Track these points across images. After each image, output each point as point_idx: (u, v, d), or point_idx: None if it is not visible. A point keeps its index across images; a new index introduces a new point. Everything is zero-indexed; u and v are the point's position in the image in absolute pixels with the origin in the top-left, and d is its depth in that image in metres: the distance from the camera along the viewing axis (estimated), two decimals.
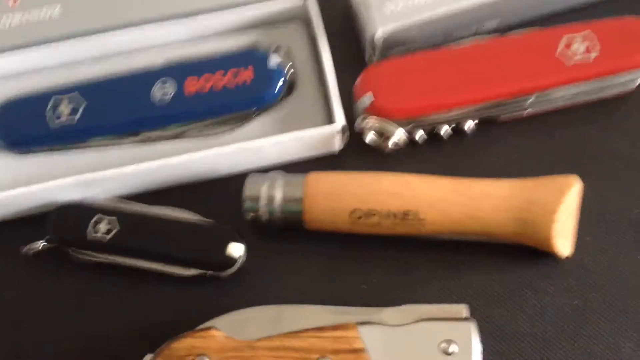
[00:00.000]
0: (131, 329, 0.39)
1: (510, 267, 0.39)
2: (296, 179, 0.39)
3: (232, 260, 0.39)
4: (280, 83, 0.42)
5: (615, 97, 0.43)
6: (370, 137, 0.41)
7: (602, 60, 0.40)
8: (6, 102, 0.43)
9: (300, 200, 0.39)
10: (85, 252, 0.40)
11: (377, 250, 0.40)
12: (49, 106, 0.42)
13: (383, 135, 0.41)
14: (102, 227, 0.40)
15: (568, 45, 0.40)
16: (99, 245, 0.39)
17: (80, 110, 0.42)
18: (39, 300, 0.40)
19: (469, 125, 0.41)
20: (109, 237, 0.39)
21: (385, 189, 0.38)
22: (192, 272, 0.39)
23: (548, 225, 0.37)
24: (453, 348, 0.35)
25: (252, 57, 0.43)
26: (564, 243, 0.38)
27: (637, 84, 0.42)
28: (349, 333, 0.36)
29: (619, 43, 0.40)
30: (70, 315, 0.40)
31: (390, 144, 0.41)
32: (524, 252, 0.39)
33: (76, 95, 0.42)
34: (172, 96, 0.42)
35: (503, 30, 0.43)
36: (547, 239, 0.37)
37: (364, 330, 0.36)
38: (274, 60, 0.42)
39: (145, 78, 0.42)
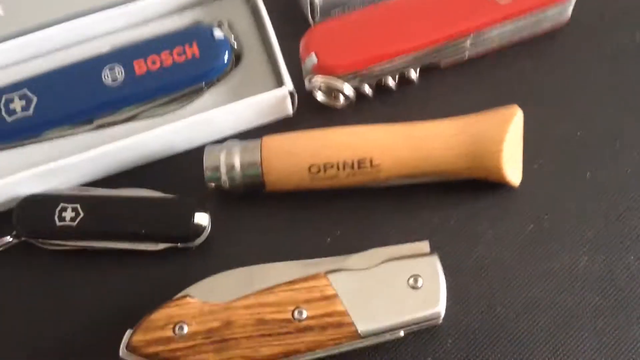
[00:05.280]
0: (109, 309, 0.40)
1: (465, 203, 0.41)
2: (252, 143, 0.41)
3: (198, 230, 0.40)
4: (227, 54, 0.43)
5: (548, 31, 0.45)
6: (320, 95, 0.43)
7: None
8: None
9: (258, 164, 0.40)
10: (54, 241, 0.41)
11: (338, 204, 0.41)
12: (0, 104, 0.42)
13: (332, 92, 0.43)
14: (68, 214, 0.40)
15: None
16: (66, 233, 0.40)
17: (33, 105, 0.42)
18: (14, 295, 0.41)
19: (413, 73, 0.43)
20: (75, 223, 0.40)
21: (338, 141, 0.39)
22: (161, 246, 0.40)
23: (497, 155, 0.39)
24: (420, 282, 0.36)
25: (196, 32, 0.44)
26: (513, 172, 0.40)
27: (567, 16, 0.44)
28: (320, 282, 0.37)
29: None
30: (47, 305, 0.40)
31: (340, 100, 0.43)
32: (476, 187, 0.41)
33: (27, 91, 0.43)
34: (122, 79, 0.42)
35: None
36: (497, 169, 0.39)
37: (333, 278, 0.37)
38: (218, 33, 0.43)
39: (94, 65, 0.43)
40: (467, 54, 0.43)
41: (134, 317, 0.37)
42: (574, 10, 0.44)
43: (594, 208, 0.41)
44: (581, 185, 0.41)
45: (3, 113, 0.42)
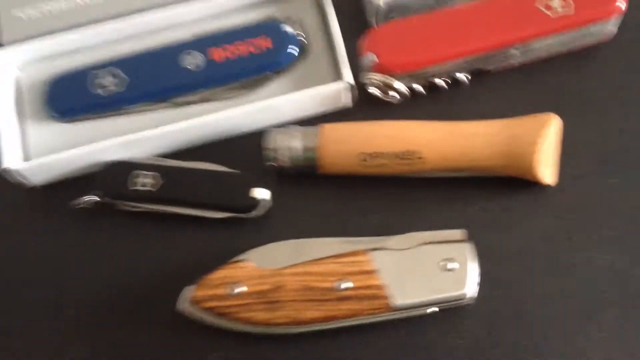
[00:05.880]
0: (173, 266, 0.45)
1: (501, 197, 0.44)
2: (311, 130, 0.45)
3: (256, 203, 0.45)
4: (295, 48, 0.47)
5: (594, 45, 0.47)
6: (376, 91, 0.47)
7: (579, 11, 0.45)
8: (56, 78, 0.49)
9: (314, 149, 0.44)
10: (130, 203, 0.46)
11: (384, 189, 0.45)
12: (93, 79, 0.48)
13: (387, 89, 0.47)
14: (144, 180, 0.45)
15: (546, 2, 0.45)
16: (141, 196, 0.45)
17: (121, 82, 0.48)
18: (91, 248, 0.46)
19: (463, 76, 0.47)
20: (150, 189, 0.45)
21: (388, 133, 0.43)
22: (223, 215, 0.45)
23: (531, 156, 0.42)
24: (453, 265, 0.40)
25: (268, 27, 0.48)
26: (547, 172, 0.43)
27: (612, 34, 0.47)
28: (362, 258, 0.41)
29: None
30: (118, 257, 0.45)
31: (392, 96, 0.47)
32: (513, 183, 0.44)
33: (116, 69, 0.48)
34: (200, 64, 0.47)
35: None
36: (531, 168, 0.42)
37: (374, 255, 0.41)
38: (288, 29, 0.48)
39: (176, 50, 0.48)
40: (514, 62, 0.47)
41: (194, 274, 0.42)
42: (619, 26, 0.47)
43: (620, 212, 0.44)
44: (610, 191, 0.44)
45: (95, 87, 0.48)
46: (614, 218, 0.44)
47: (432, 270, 0.40)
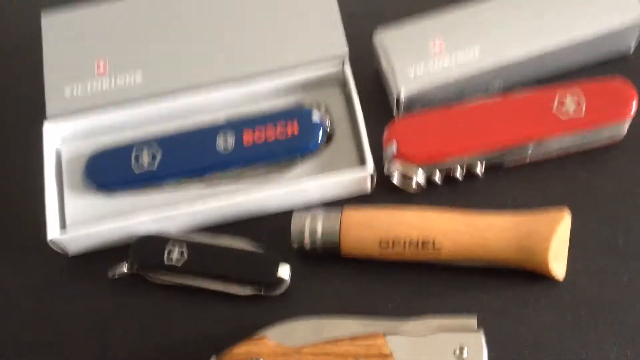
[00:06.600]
0: (198, 337, 0.47)
1: (513, 288, 0.46)
2: (334, 214, 0.47)
3: (280, 281, 0.47)
4: (321, 134, 0.50)
5: (604, 145, 0.50)
6: (396, 179, 0.50)
7: (589, 115, 0.48)
8: (96, 152, 0.52)
9: (337, 232, 0.47)
10: (161, 275, 0.48)
11: (402, 274, 0.47)
12: (131, 156, 0.51)
13: (407, 177, 0.49)
14: (175, 254, 0.48)
15: (560, 102, 0.48)
16: (172, 270, 0.48)
17: (157, 159, 0.51)
18: (122, 314, 0.49)
19: (479, 169, 0.49)
20: (180, 263, 0.48)
21: (406, 221, 0.46)
22: (248, 291, 0.47)
23: (544, 252, 0.44)
24: (465, 354, 0.42)
25: (297, 113, 0.51)
26: (558, 267, 0.45)
27: (622, 135, 0.50)
28: (378, 341, 0.43)
29: (603, 100, 0.48)
30: (147, 326, 0.48)
31: (413, 185, 0.50)
32: (525, 275, 0.46)
33: (154, 147, 0.51)
34: (232, 146, 0.50)
35: (507, 89, 0.52)
36: (544, 264, 0.44)
37: (390, 339, 0.43)
38: (316, 116, 0.51)
39: (210, 132, 0.51)
40: (528, 158, 0.49)
41: (218, 346, 0.44)
42: (629, 128, 0.49)
43: (627, 308, 0.46)
44: (618, 287, 0.46)
45: (132, 164, 0.51)
46: (622, 315, 0.45)
47: (445, 357, 0.42)
